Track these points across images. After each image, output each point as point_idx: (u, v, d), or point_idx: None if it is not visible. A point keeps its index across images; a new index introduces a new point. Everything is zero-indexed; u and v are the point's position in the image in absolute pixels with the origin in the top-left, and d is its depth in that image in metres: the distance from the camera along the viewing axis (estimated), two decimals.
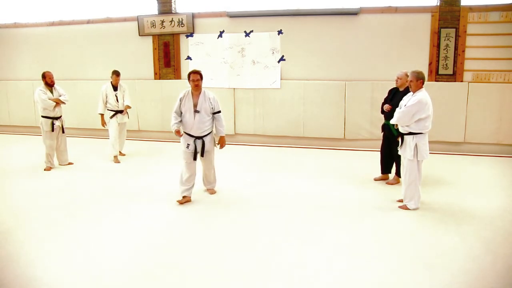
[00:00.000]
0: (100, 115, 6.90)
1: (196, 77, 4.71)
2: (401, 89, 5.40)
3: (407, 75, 5.24)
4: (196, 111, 4.73)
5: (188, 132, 4.82)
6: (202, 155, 4.88)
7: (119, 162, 6.87)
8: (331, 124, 7.80)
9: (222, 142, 5.01)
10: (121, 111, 6.94)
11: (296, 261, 3.53)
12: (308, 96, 7.83)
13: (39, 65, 8.71)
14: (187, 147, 4.83)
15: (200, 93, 4.77)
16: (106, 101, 6.86)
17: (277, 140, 8.18)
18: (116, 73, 6.85)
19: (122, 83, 7.01)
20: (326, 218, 4.44)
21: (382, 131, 5.70)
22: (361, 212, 4.59)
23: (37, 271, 3.38)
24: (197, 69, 4.89)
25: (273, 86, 8.02)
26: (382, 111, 5.55)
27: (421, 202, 4.66)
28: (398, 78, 5.38)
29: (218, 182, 5.35)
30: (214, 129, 5.01)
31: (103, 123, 6.90)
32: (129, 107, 7.00)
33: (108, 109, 6.91)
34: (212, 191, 5.25)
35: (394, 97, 5.41)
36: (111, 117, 6.89)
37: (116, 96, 6.86)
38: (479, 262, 3.46)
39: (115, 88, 6.89)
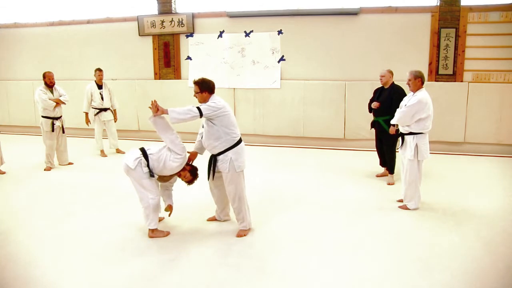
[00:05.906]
0: (84, 114, 7.23)
1: (194, 88, 4.02)
2: (386, 87, 5.59)
3: (390, 72, 5.55)
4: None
5: None
6: (212, 177, 4.07)
7: (106, 156, 7.27)
8: (331, 124, 7.79)
9: (155, 107, 3.77)
10: (105, 109, 7.23)
11: (296, 261, 3.53)
12: (308, 96, 7.83)
13: (39, 65, 8.71)
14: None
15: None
16: (91, 100, 7.17)
17: (277, 140, 8.17)
18: (99, 69, 7.19)
19: (106, 81, 7.35)
20: (326, 218, 4.44)
21: (372, 127, 5.85)
22: (361, 212, 4.59)
23: (37, 271, 3.38)
24: (198, 78, 4.12)
25: (273, 86, 8.02)
26: (370, 110, 5.75)
27: (421, 202, 4.67)
28: (381, 76, 5.57)
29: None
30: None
31: (88, 121, 7.25)
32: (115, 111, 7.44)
33: (92, 107, 7.22)
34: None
35: (380, 95, 5.61)
36: (95, 114, 7.21)
37: (101, 94, 7.17)
38: (479, 262, 3.46)
39: (99, 86, 7.20)
